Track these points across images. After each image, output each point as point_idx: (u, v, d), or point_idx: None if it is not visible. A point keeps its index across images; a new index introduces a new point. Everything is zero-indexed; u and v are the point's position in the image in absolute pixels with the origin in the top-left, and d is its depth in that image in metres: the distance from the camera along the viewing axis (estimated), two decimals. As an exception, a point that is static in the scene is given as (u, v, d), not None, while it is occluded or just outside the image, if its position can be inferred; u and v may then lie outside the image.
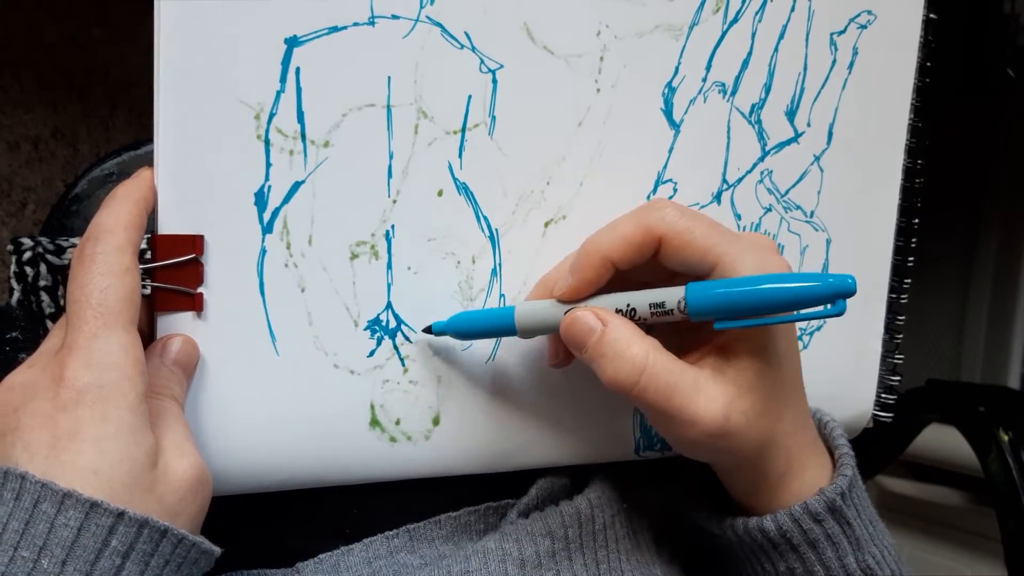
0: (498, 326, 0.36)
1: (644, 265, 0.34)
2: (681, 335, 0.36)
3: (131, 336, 0.30)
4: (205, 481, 0.31)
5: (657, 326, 0.34)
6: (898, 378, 0.47)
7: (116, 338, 0.29)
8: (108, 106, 1.02)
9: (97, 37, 1.02)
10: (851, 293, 0.30)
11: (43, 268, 0.39)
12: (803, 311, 0.31)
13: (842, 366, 0.45)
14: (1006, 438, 0.62)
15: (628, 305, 0.33)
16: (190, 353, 0.33)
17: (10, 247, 0.39)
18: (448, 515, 0.39)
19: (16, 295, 0.39)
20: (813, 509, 0.35)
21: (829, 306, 0.30)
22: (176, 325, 0.33)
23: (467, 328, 0.36)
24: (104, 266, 0.30)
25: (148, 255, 0.33)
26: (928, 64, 0.44)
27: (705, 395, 0.32)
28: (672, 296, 0.32)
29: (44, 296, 0.38)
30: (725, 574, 0.40)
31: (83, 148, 1.01)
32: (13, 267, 0.38)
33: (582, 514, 0.39)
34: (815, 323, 0.45)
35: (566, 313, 0.34)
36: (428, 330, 0.36)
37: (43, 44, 0.99)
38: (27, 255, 0.38)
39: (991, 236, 1.03)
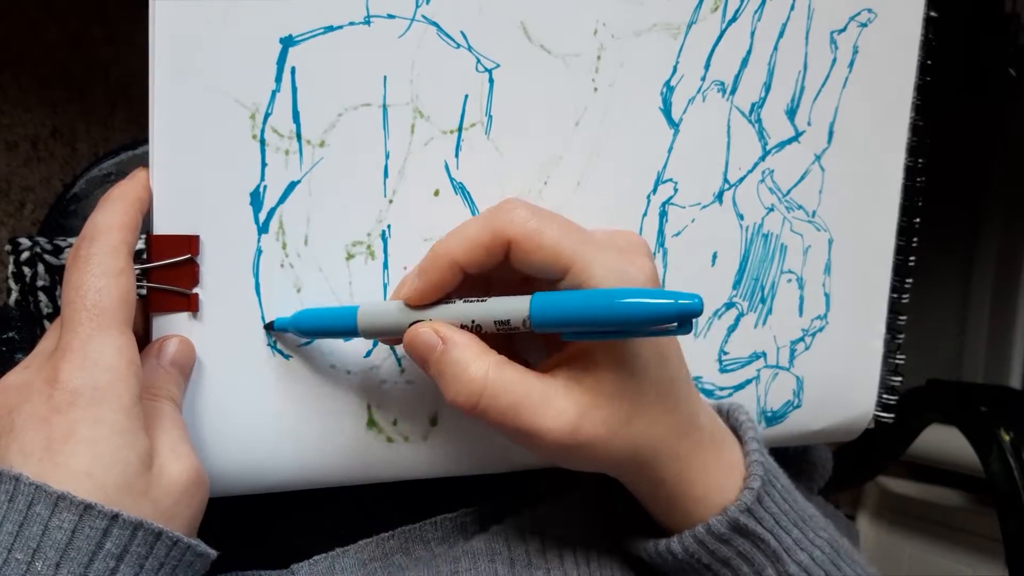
0: (341, 326, 0.34)
1: (497, 267, 0.32)
2: (540, 340, 0.34)
3: (126, 338, 0.30)
4: (201, 483, 0.31)
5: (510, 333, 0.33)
6: (899, 378, 0.46)
7: (111, 340, 0.29)
8: (107, 106, 1.03)
9: (97, 37, 1.02)
10: (696, 314, 0.28)
11: (41, 268, 0.38)
12: (649, 328, 0.30)
13: (843, 366, 0.45)
14: (1007, 438, 0.62)
15: (473, 321, 0.32)
16: (187, 354, 0.33)
17: (8, 247, 0.39)
18: (444, 516, 0.39)
19: (14, 295, 0.39)
20: (716, 530, 0.34)
21: (676, 325, 0.29)
22: (171, 326, 0.33)
23: (309, 326, 0.34)
24: (99, 267, 0.30)
25: (144, 256, 0.33)
26: (929, 62, 0.43)
27: (554, 407, 0.31)
28: (517, 312, 0.31)
29: (42, 296, 0.38)
30: None
31: (82, 148, 1.01)
32: (11, 267, 0.38)
33: (574, 510, 0.38)
34: (818, 323, 0.44)
35: (409, 325, 0.32)
36: (269, 327, 0.34)
37: (43, 44, 0.99)
38: (25, 255, 0.38)
39: (992, 236, 1.03)
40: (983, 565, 0.93)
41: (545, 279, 0.32)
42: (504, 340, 0.33)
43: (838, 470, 0.52)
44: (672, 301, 0.28)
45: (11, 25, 0.97)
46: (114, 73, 1.03)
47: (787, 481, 0.37)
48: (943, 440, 0.76)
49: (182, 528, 0.30)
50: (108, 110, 1.04)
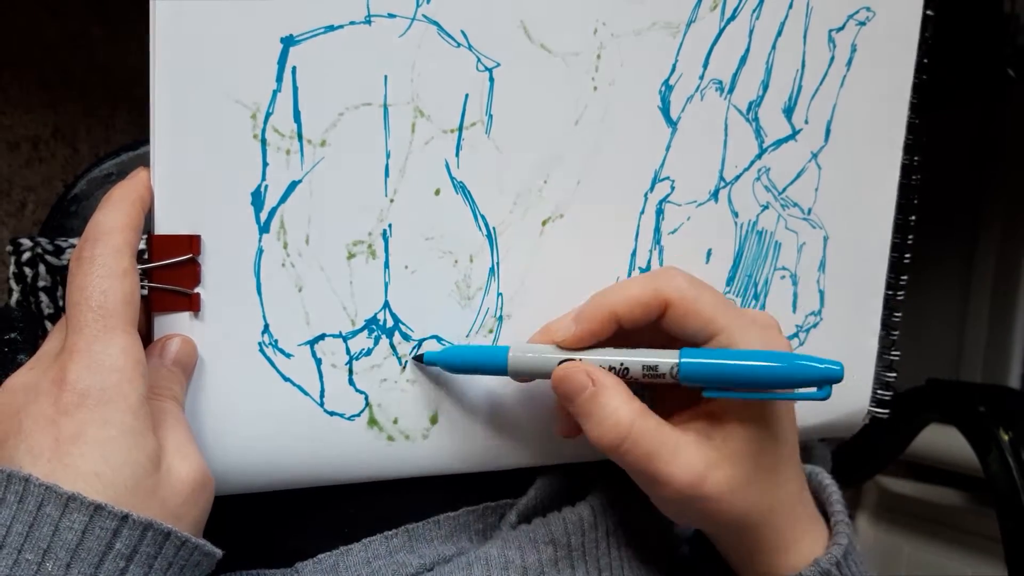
0: (491, 365, 0.36)
1: (645, 327, 0.35)
2: (675, 394, 0.36)
3: (131, 338, 0.30)
4: (207, 483, 0.31)
5: (651, 384, 0.35)
6: (894, 375, 0.47)
7: (116, 340, 0.29)
8: (108, 106, 1.02)
9: (97, 37, 1.01)
10: (838, 380, 0.31)
11: (42, 269, 0.38)
12: (790, 391, 0.33)
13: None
14: (1006, 438, 0.62)
15: (622, 364, 0.34)
16: (189, 353, 0.33)
17: (9, 248, 0.39)
18: (447, 515, 0.39)
19: (15, 296, 0.39)
20: None
21: (817, 389, 0.32)
22: (173, 326, 0.33)
23: (459, 362, 0.36)
24: (103, 268, 0.30)
25: (146, 256, 0.33)
26: (926, 61, 0.43)
27: (683, 458, 0.33)
28: (666, 360, 0.34)
29: (43, 297, 0.38)
30: None
31: (83, 148, 1.01)
32: (12, 268, 0.38)
33: (585, 521, 0.39)
34: (812, 320, 0.45)
35: (559, 364, 0.35)
36: (419, 359, 0.37)
37: (43, 44, 0.99)
38: (26, 256, 0.38)
39: (991, 236, 1.03)
40: (982, 565, 0.94)
41: (691, 342, 0.35)
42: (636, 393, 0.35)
43: (837, 469, 0.53)
44: (814, 365, 0.31)
45: (11, 25, 0.97)
46: (115, 73, 1.03)
47: (862, 551, 0.38)
48: (942, 439, 0.77)
49: (189, 527, 0.30)
50: (109, 110, 1.03)
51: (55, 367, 0.29)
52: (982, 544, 0.95)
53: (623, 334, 0.35)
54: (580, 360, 0.35)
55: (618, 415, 0.33)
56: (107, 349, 0.29)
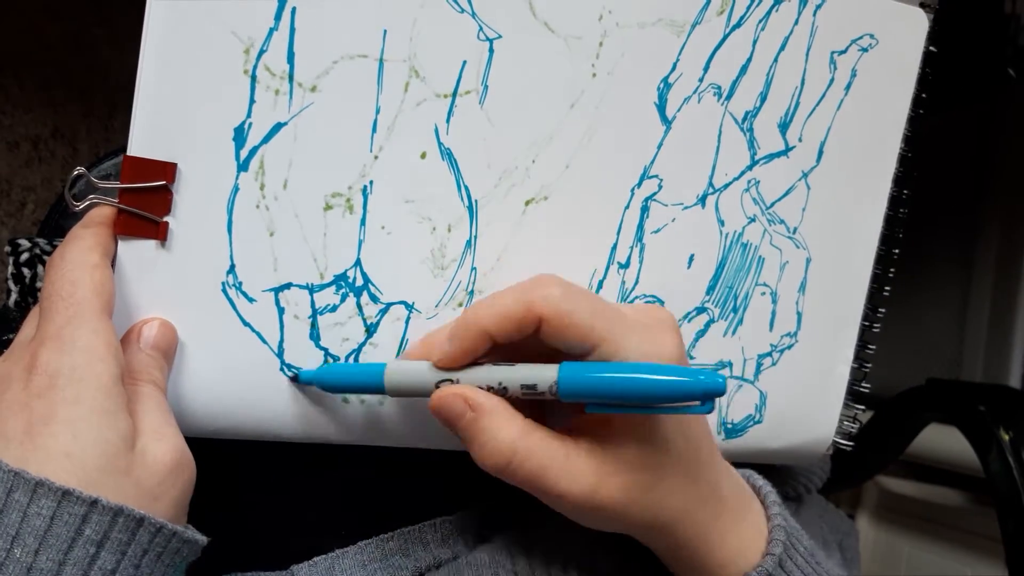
0: (367, 383, 0.34)
1: (527, 338, 0.33)
2: (568, 405, 0.35)
3: (103, 323, 0.30)
4: (186, 464, 0.31)
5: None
6: (863, 407, 0.46)
7: (87, 324, 0.30)
8: (108, 106, 1.02)
9: (97, 37, 1.02)
10: (719, 394, 0.30)
11: (40, 270, 0.38)
12: (672, 405, 0.31)
13: (808, 387, 0.45)
14: (1007, 437, 0.62)
15: (500, 384, 0.33)
16: (168, 337, 0.33)
17: (8, 248, 0.38)
18: (443, 519, 0.39)
19: (13, 296, 0.38)
20: None
21: (699, 403, 0.30)
22: (139, 253, 0.33)
23: (334, 381, 0.34)
24: (71, 263, 0.31)
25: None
26: (923, 96, 0.44)
27: (574, 471, 0.32)
28: (545, 379, 0.32)
29: None
30: None
31: (83, 148, 1.01)
32: (11, 268, 0.38)
33: (576, 527, 0.38)
34: (787, 340, 0.44)
35: (435, 390, 0.33)
36: (295, 378, 0.35)
37: (43, 44, 0.99)
38: (24, 256, 0.38)
39: (991, 236, 1.02)
40: (983, 565, 0.93)
41: (573, 354, 0.33)
42: (528, 402, 0.33)
43: (837, 470, 0.52)
44: (694, 379, 0.30)
45: (11, 25, 0.97)
46: (115, 73, 1.03)
47: (810, 543, 0.37)
48: (942, 439, 0.76)
49: (168, 511, 0.30)
50: (109, 111, 1.03)
51: (26, 354, 0.30)
52: (982, 544, 0.93)
53: (505, 347, 0.34)
54: (457, 381, 0.33)
55: (499, 437, 0.32)
56: (77, 332, 0.29)
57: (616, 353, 0.32)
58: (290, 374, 0.35)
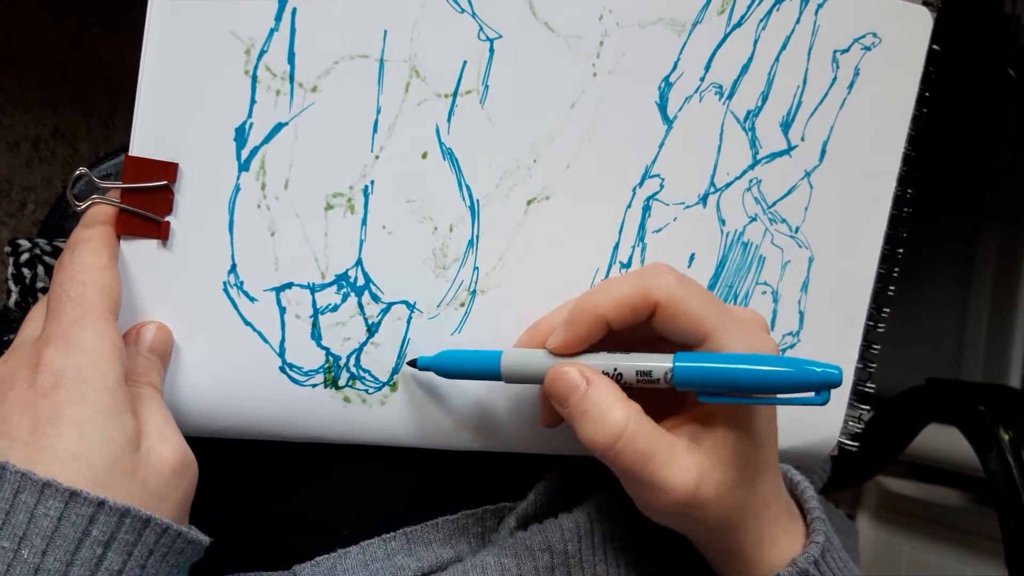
0: (484, 370, 0.35)
1: (634, 330, 0.34)
2: (663, 398, 0.35)
3: (108, 324, 0.30)
4: (189, 465, 0.31)
5: (640, 389, 0.34)
6: (867, 407, 0.46)
7: (92, 325, 0.30)
8: (108, 106, 1.03)
9: (97, 37, 1.02)
10: (837, 385, 0.30)
11: (40, 270, 0.39)
12: (787, 395, 0.32)
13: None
14: (1006, 437, 0.62)
15: (615, 369, 0.33)
16: (165, 340, 0.33)
17: (8, 249, 0.39)
18: (445, 518, 0.39)
19: (14, 296, 0.39)
20: None
21: (815, 394, 0.31)
22: (140, 252, 0.33)
23: (452, 368, 0.36)
24: (80, 264, 0.31)
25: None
26: (927, 94, 0.44)
27: (679, 464, 0.32)
28: (660, 366, 0.33)
29: (42, 297, 0.38)
30: None
31: (83, 148, 1.02)
32: (11, 268, 0.38)
33: (581, 528, 0.38)
34: (789, 340, 0.44)
35: (551, 367, 0.34)
36: (412, 363, 0.36)
37: (43, 44, 1.00)
38: (25, 256, 0.38)
39: (992, 236, 1.02)
40: (983, 565, 0.92)
41: (681, 343, 0.34)
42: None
43: (837, 470, 0.52)
44: (810, 373, 0.30)
45: (11, 25, 0.97)
46: (115, 73, 1.03)
47: (839, 541, 0.37)
48: (942, 439, 0.76)
49: (172, 511, 0.30)
50: (109, 111, 1.04)
51: (31, 353, 0.30)
52: (982, 544, 0.93)
53: (615, 337, 0.35)
54: (574, 362, 0.34)
55: (614, 413, 0.32)
56: (82, 333, 0.29)
57: (724, 345, 0.32)
58: (406, 362, 0.36)
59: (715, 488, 0.33)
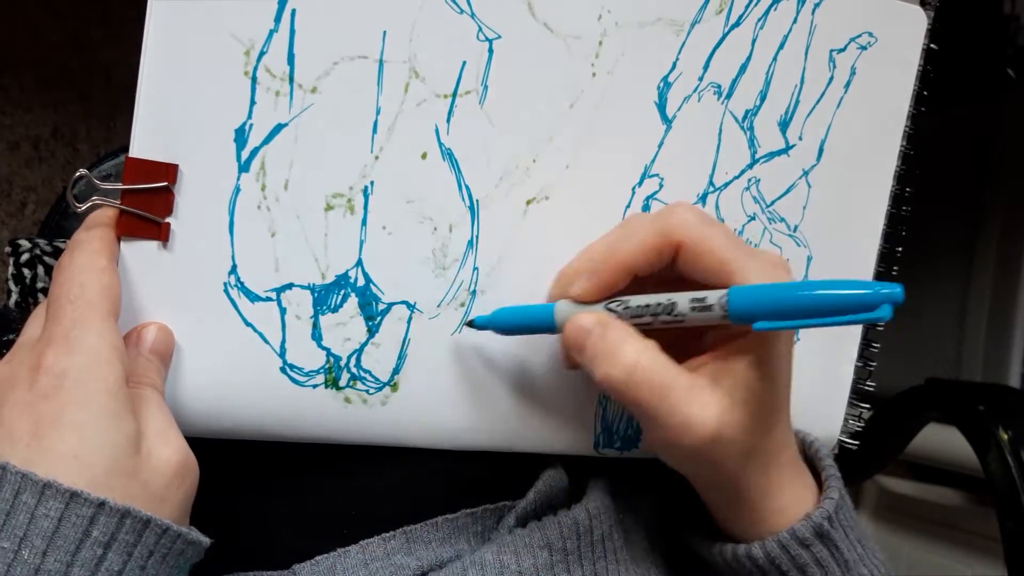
0: (538, 323, 0.36)
1: (660, 269, 0.34)
2: (680, 344, 0.35)
3: (108, 325, 0.30)
4: (190, 467, 0.31)
5: (658, 333, 0.34)
6: (868, 405, 0.46)
7: (93, 327, 0.30)
8: (108, 106, 1.03)
9: (97, 37, 1.02)
10: (899, 300, 0.29)
11: (40, 270, 0.39)
12: (849, 316, 0.30)
13: (811, 386, 0.45)
14: (1006, 437, 0.61)
15: (669, 300, 0.33)
16: (166, 341, 0.33)
17: (8, 249, 0.39)
18: (445, 517, 0.39)
19: (14, 297, 0.39)
20: (801, 535, 0.35)
21: (871, 312, 0.30)
22: (141, 254, 0.33)
23: (508, 323, 0.36)
24: (79, 265, 0.31)
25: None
26: (925, 93, 0.44)
27: (699, 400, 0.32)
28: (714, 292, 0.32)
29: (42, 298, 0.38)
30: None
31: (83, 148, 1.02)
32: (11, 269, 0.39)
33: (580, 525, 0.38)
34: (789, 339, 0.44)
35: (569, 319, 0.34)
36: (471, 324, 0.37)
37: (43, 44, 1.00)
38: (25, 257, 0.38)
39: (991, 235, 1.02)
40: (982, 565, 0.93)
41: (705, 284, 0.33)
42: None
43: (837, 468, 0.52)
44: (872, 292, 0.29)
45: (12, 25, 0.98)
46: (115, 73, 1.03)
47: (852, 504, 0.37)
48: (942, 439, 0.76)
49: (173, 513, 0.30)
50: (109, 111, 1.04)
51: (32, 355, 0.30)
52: (982, 544, 0.93)
53: (637, 279, 0.34)
54: (628, 306, 0.33)
55: (624, 349, 0.32)
56: (83, 334, 0.30)
57: (749, 282, 0.32)
58: (466, 321, 0.37)
59: (734, 427, 0.32)
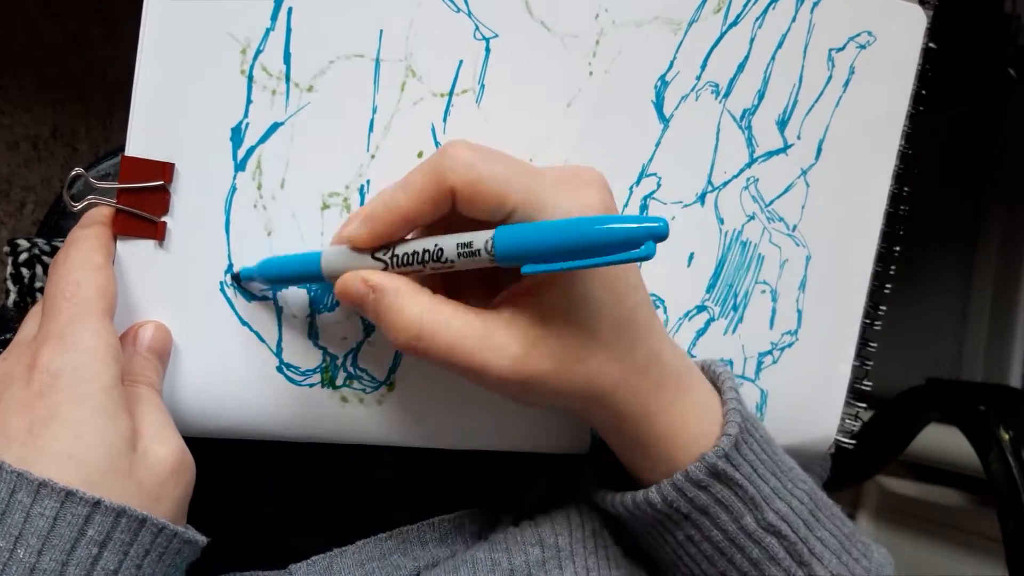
0: (305, 272, 0.33)
1: (453, 215, 0.31)
2: (493, 281, 0.34)
3: (104, 323, 0.30)
4: (187, 465, 0.31)
5: (466, 275, 0.32)
6: (864, 405, 0.46)
7: (88, 324, 0.30)
8: (107, 106, 1.03)
9: (97, 37, 1.02)
10: (663, 236, 0.27)
11: (39, 270, 0.39)
12: (612, 256, 0.28)
13: (809, 385, 0.45)
14: (1007, 437, 0.61)
15: (436, 246, 0.30)
16: (163, 340, 0.33)
17: (6, 248, 0.39)
18: (441, 518, 0.39)
19: (12, 296, 0.39)
20: (695, 477, 0.33)
21: (639, 249, 0.27)
22: (137, 253, 0.33)
23: (274, 273, 0.33)
24: (74, 263, 0.31)
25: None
26: (924, 93, 0.44)
27: (494, 342, 0.30)
28: (480, 236, 0.30)
29: (40, 297, 0.38)
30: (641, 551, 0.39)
31: (82, 148, 1.02)
32: (9, 268, 0.38)
33: (572, 521, 0.38)
34: (788, 339, 0.44)
35: (340, 277, 0.32)
36: (236, 278, 0.34)
37: (43, 44, 1.00)
38: (23, 256, 0.38)
39: (992, 235, 1.02)
40: (983, 565, 0.93)
41: (495, 222, 0.31)
42: (444, 286, 0.32)
43: (837, 469, 0.52)
44: (636, 226, 0.27)
45: (11, 25, 0.98)
46: (114, 73, 1.03)
47: (766, 432, 0.36)
48: (942, 439, 0.76)
49: (170, 511, 0.30)
50: (108, 110, 1.04)
51: (28, 353, 0.30)
52: (982, 544, 0.94)
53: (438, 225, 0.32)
54: (394, 255, 0.31)
55: (404, 313, 0.30)
56: (79, 332, 0.29)
57: (536, 215, 0.30)
58: (229, 276, 0.34)
59: (549, 359, 0.31)
